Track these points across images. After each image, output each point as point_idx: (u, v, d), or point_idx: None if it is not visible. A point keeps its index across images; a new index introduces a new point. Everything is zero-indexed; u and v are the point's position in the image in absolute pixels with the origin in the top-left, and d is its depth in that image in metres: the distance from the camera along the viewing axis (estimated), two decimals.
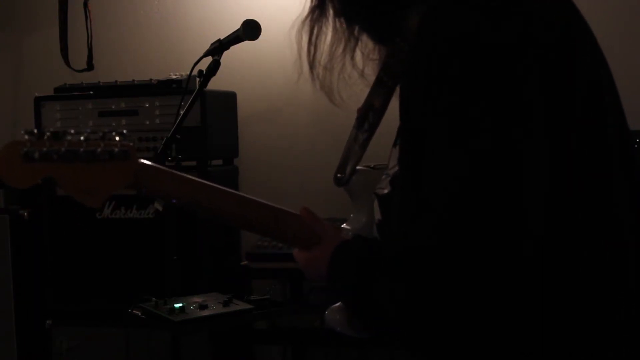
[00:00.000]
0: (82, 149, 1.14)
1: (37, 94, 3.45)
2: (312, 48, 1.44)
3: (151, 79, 3.39)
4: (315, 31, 1.43)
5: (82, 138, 1.15)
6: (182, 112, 2.68)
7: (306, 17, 1.44)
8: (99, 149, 1.16)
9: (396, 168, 1.31)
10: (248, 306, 2.79)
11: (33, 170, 1.11)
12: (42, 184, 3.31)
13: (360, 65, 1.44)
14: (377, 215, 1.39)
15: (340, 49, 1.42)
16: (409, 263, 1.18)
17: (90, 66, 3.77)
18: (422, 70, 1.22)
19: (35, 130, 1.09)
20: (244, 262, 3.28)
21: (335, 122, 3.44)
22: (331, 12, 1.42)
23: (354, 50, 1.42)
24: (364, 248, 1.32)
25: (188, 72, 2.79)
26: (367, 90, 1.47)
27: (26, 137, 1.10)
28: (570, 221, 1.20)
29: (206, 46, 2.76)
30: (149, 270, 3.21)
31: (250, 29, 2.71)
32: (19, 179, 1.11)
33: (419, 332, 1.23)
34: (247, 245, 3.44)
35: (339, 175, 1.49)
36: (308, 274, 1.42)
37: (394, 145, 1.36)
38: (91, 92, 3.41)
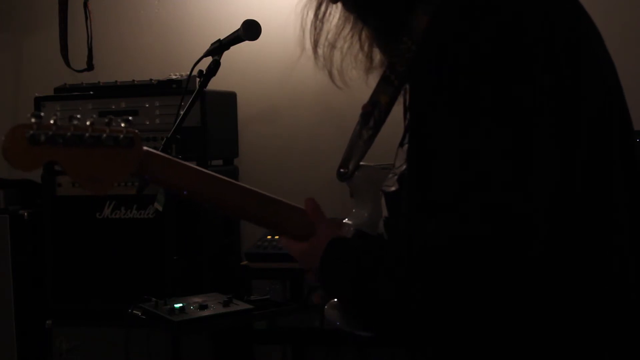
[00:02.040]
0: (87, 134, 1.14)
1: (37, 94, 3.45)
2: (319, 24, 1.43)
3: (151, 79, 3.39)
4: (322, 8, 1.42)
5: (88, 123, 1.14)
6: (182, 112, 2.68)
7: None
8: (104, 135, 1.16)
9: (404, 167, 1.30)
10: (248, 306, 2.78)
11: (38, 154, 1.11)
12: (42, 184, 3.26)
13: (366, 48, 1.43)
14: (385, 212, 1.39)
15: (347, 30, 1.41)
16: (420, 263, 1.17)
17: (90, 66, 3.78)
18: (432, 71, 1.21)
19: (42, 114, 1.09)
20: (244, 262, 3.28)
21: (335, 122, 3.45)
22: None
23: (360, 32, 1.41)
24: (364, 245, 1.32)
25: (188, 72, 2.79)
26: (369, 76, 1.46)
27: (32, 120, 1.09)
28: (573, 220, 1.20)
29: (206, 46, 2.76)
30: (149, 270, 3.21)
31: (250, 29, 2.71)
32: (24, 162, 1.10)
33: (428, 331, 1.22)
34: (247, 245, 3.44)
35: (342, 170, 1.48)
36: (302, 263, 1.42)
37: (401, 144, 1.35)
38: (91, 92, 3.42)
